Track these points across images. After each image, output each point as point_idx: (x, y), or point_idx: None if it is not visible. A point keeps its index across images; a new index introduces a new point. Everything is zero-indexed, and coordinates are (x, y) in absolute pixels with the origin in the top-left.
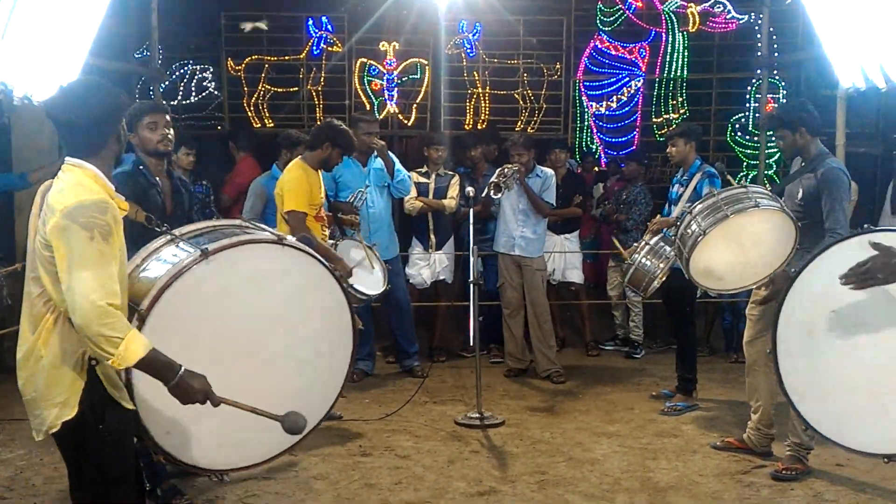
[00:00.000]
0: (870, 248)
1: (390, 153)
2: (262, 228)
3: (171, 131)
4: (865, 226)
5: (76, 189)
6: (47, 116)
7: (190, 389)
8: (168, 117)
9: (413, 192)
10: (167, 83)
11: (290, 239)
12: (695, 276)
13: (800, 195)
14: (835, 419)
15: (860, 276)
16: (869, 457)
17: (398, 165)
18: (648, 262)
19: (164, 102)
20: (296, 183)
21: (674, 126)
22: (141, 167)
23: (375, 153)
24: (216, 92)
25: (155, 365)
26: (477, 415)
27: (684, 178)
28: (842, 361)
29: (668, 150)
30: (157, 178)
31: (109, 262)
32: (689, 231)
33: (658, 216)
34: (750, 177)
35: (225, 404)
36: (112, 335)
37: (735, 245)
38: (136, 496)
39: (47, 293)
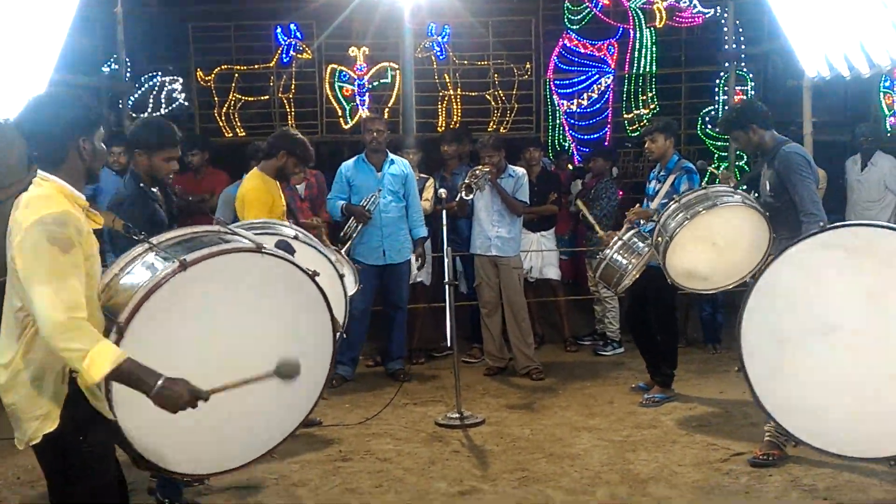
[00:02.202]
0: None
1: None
2: (240, 235)
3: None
4: (821, 224)
5: (39, 203)
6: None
7: (173, 395)
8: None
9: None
10: (136, 96)
11: (269, 247)
12: (678, 280)
13: (768, 187)
14: (823, 428)
15: None
16: (871, 462)
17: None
18: (621, 258)
19: (133, 115)
20: (255, 193)
21: (645, 122)
22: (142, 185)
23: (390, 157)
24: (186, 103)
25: (130, 376)
26: (457, 415)
27: (662, 173)
28: (819, 367)
29: (646, 147)
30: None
31: (71, 275)
32: (658, 240)
33: (637, 206)
34: (721, 167)
35: (216, 394)
36: (75, 348)
37: (708, 244)
38: None
39: (25, 308)
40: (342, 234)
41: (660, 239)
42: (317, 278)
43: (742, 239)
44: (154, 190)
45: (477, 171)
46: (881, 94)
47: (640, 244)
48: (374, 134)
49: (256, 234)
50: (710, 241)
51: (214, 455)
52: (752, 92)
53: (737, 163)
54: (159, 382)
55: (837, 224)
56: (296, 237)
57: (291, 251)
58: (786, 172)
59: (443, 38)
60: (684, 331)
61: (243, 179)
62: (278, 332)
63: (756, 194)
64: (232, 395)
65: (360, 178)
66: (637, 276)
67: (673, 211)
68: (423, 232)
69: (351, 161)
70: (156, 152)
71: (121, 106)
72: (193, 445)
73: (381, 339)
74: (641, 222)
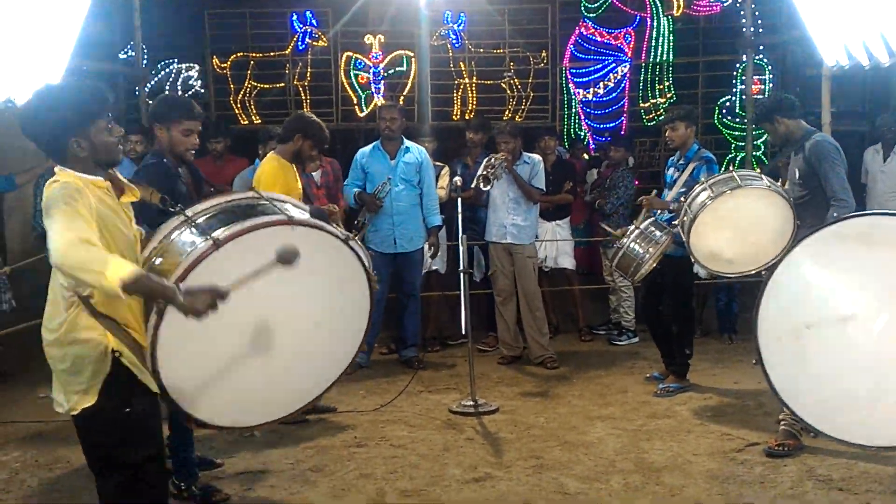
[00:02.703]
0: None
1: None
2: (273, 205)
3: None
4: (835, 215)
5: (52, 184)
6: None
7: (196, 299)
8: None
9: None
10: (153, 83)
11: (300, 217)
12: (702, 260)
13: (797, 175)
14: (841, 418)
15: None
16: (886, 451)
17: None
18: (637, 247)
19: (149, 102)
20: (272, 177)
21: (661, 111)
22: (164, 160)
23: (406, 145)
24: (202, 90)
25: (149, 285)
26: (471, 402)
27: (681, 162)
28: (836, 357)
29: (667, 134)
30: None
31: (77, 218)
32: (684, 220)
33: (653, 193)
34: (738, 158)
35: (235, 290)
36: (89, 266)
37: (732, 226)
38: (164, 475)
39: (70, 286)
40: (356, 222)
41: (685, 218)
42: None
43: (766, 224)
44: (180, 169)
45: (493, 160)
46: None
47: (658, 233)
48: (388, 122)
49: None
50: (733, 223)
51: (259, 406)
52: (771, 81)
53: (754, 153)
54: (179, 290)
55: (854, 213)
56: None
57: (325, 218)
58: (817, 160)
59: (459, 25)
60: (700, 320)
61: (260, 163)
62: (316, 296)
63: (780, 182)
64: (275, 348)
65: (374, 166)
66: (654, 265)
67: (699, 191)
68: (436, 221)
69: (367, 148)
70: (174, 125)
71: (137, 93)
72: (238, 399)
73: (395, 327)
74: (658, 212)
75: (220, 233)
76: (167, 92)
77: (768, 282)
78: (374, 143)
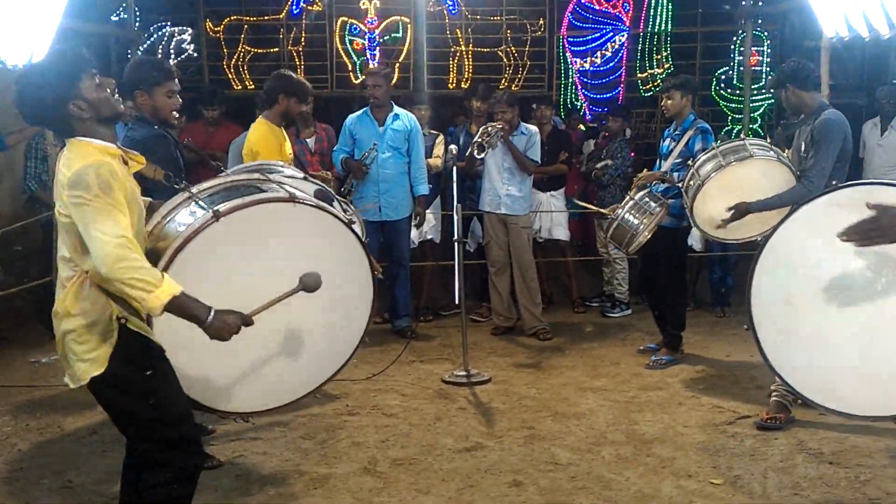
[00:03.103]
0: (839, 207)
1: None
2: (277, 184)
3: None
4: (834, 182)
5: (74, 160)
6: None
7: (225, 324)
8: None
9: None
10: (145, 45)
11: (303, 196)
12: (701, 225)
13: (803, 148)
14: (832, 388)
15: (865, 234)
16: (876, 420)
17: (423, 162)
18: (632, 218)
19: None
20: (263, 142)
21: (658, 82)
22: (156, 126)
23: (395, 111)
24: (195, 54)
25: (186, 307)
26: (464, 372)
27: (676, 132)
28: (828, 327)
29: (663, 103)
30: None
31: (117, 212)
32: (690, 184)
33: (644, 171)
34: (735, 131)
35: (255, 315)
36: (135, 278)
37: (737, 194)
38: (197, 434)
39: (70, 257)
40: (342, 188)
41: (692, 182)
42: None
43: (770, 194)
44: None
45: (489, 129)
46: None
47: (653, 204)
48: (372, 89)
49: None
50: (738, 190)
51: (261, 393)
52: (769, 52)
53: (751, 125)
54: (211, 314)
55: (850, 183)
56: (305, 178)
57: (329, 200)
58: (819, 135)
59: None
60: (693, 293)
61: (250, 129)
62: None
63: (786, 152)
64: (280, 338)
65: (362, 132)
66: (649, 236)
67: (709, 157)
68: (423, 190)
69: (356, 114)
70: (155, 88)
71: (129, 55)
72: (241, 384)
73: (387, 296)
74: (653, 183)
75: (221, 207)
76: (160, 55)
77: (763, 250)
78: (364, 108)
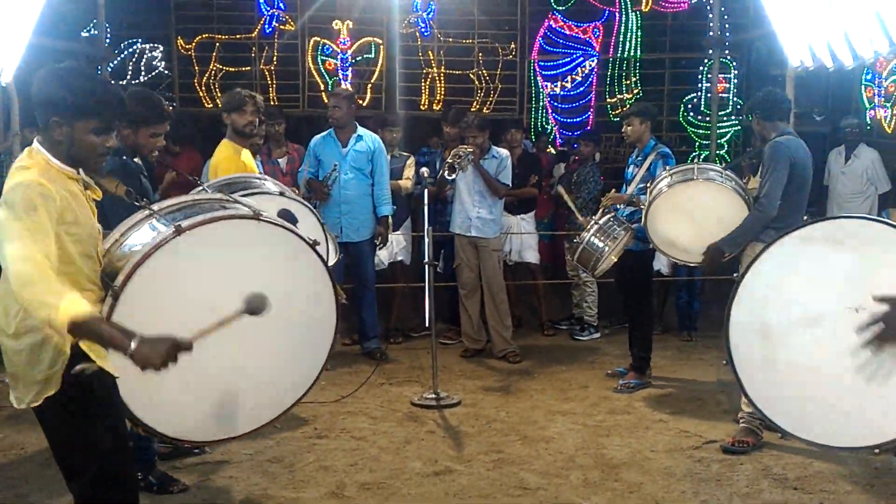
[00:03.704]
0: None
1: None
2: (242, 203)
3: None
4: (805, 218)
5: (15, 173)
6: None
7: (152, 351)
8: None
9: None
10: (115, 62)
11: (267, 214)
12: (660, 245)
13: (758, 175)
14: (810, 420)
15: (879, 339)
16: (855, 451)
17: (387, 183)
18: (598, 242)
19: (112, 82)
20: (228, 162)
21: (627, 106)
22: (124, 157)
23: (359, 132)
24: (166, 71)
25: (100, 332)
26: (433, 395)
27: (639, 158)
28: (805, 359)
29: (623, 130)
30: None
31: (35, 235)
32: (645, 204)
33: (612, 191)
34: (702, 156)
35: (196, 341)
36: (40, 299)
37: (687, 216)
38: (133, 465)
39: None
40: None
41: (646, 201)
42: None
43: (720, 217)
44: (136, 160)
45: (460, 151)
46: (862, 87)
47: (617, 228)
48: (332, 110)
49: (243, 194)
50: (689, 213)
51: (214, 423)
52: (735, 79)
53: (717, 151)
54: (135, 341)
55: (822, 218)
56: (281, 193)
57: (294, 221)
58: (766, 159)
59: (428, 14)
60: (661, 317)
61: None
62: (277, 299)
63: (745, 180)
64: (237, 364)
65: (325, 153)
66: (615, 259)
67: (663, 177)
68: (386, 210)
69: (321, 135)
70: (142, 127)
71: (100, 72)
72: (193, 412)
73: (356, 318)
74: (619, 207)
75: (183, 221)
76: (129, 72)
77: (739, 285)
78: (329, 129)
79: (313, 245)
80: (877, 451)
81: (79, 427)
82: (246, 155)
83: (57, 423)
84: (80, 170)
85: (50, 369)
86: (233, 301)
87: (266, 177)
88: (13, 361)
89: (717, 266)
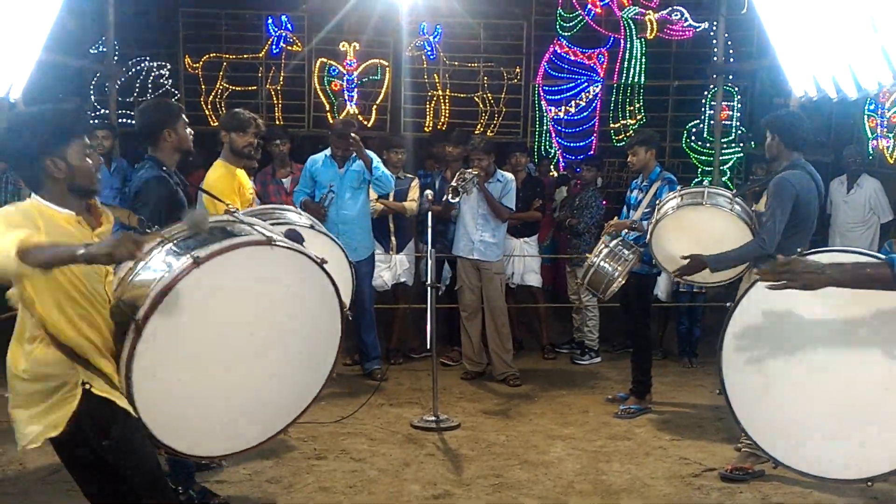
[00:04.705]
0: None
1: (370, 152)
2: (250, 225)
3: None
4: (799, 250)
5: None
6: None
7: (105, 247)
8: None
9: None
10: (123, 80)
11: (280, 238)
12: (663, 263)
13: (763, 203)
14: (803, 450)
15: (778, 274)
16: (849, 483)
17: (376, 162)
18: (607, 265)
19: (119, 99)
20: (222, 182)
21: (631, 132)
22: (164, 168)
23: (354, 154)
24: (173, 90)
25: (44, 248)
26: (433, 418)
27: (644, 183)
28: (798, 389)
29: (628, 159)
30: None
31: (7, 225)
32: (652, 222)
33: (615, 218)
34: (705, 183)
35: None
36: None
37: (692, 239)
38: (171, 496)
39: (26, 317)
40: None
41: (653, 218)
42: (326, 265)
43: (724, 244)
44: (176, 172)
45: (466, 174)
46: (865, 117)
47: (626, 251)
48: (342, 149)
49: (268, 222)
50: (694, 235)
51: (228, 437)
52: (739, 107)
53: (721, 178)
54: (81, 247)
55: (819, 250)
56: (311, 227)
57: (301, 240)
58: (770, 192)
59: (434, 37)
60: (661, 343)
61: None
62: (291, 319)
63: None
64: (245, 378)
65: (322, 174)
66: (623, 282)
67: (672, 198)
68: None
69: (319, 156)
70: (177, 122)
71: (107, 89)
72: (208, 429)
73: (356, 339)
74: (624, 232)
75: (199, 252)
76: (137, 90)
77: (732, 314)
78: (327, 150)
79: (321, 264)
80: (869, 483)
81: (110, 467)
82: (241, 174)
83: (79, 461)
84: (88, 200)
85: (51, 411)
86: (251, 323)
87: (292, 208)
88: (20, 395)
89: (716, 293)
